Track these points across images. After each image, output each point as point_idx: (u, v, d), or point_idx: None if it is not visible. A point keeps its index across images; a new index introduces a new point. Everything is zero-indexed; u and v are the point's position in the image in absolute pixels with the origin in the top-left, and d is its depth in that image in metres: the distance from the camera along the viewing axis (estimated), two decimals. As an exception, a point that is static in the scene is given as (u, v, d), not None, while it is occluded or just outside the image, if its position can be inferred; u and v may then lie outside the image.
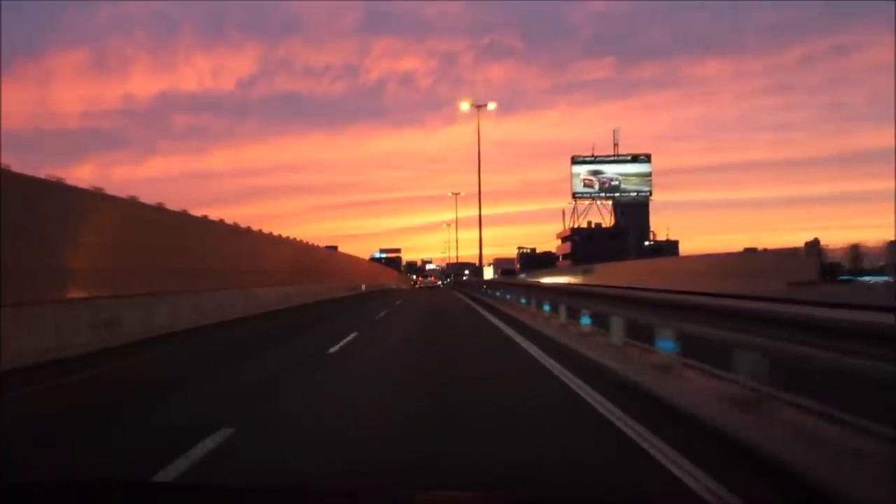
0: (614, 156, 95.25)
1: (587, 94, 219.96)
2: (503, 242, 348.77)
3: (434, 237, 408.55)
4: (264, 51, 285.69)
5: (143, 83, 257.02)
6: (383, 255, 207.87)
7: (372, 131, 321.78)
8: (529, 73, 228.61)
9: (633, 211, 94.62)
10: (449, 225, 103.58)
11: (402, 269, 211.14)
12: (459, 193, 68.23)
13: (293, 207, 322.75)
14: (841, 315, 4.56)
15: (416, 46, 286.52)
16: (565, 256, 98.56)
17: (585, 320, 11.40)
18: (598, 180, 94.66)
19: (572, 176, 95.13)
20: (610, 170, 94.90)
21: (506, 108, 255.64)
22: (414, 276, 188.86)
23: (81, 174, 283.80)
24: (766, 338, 4.87)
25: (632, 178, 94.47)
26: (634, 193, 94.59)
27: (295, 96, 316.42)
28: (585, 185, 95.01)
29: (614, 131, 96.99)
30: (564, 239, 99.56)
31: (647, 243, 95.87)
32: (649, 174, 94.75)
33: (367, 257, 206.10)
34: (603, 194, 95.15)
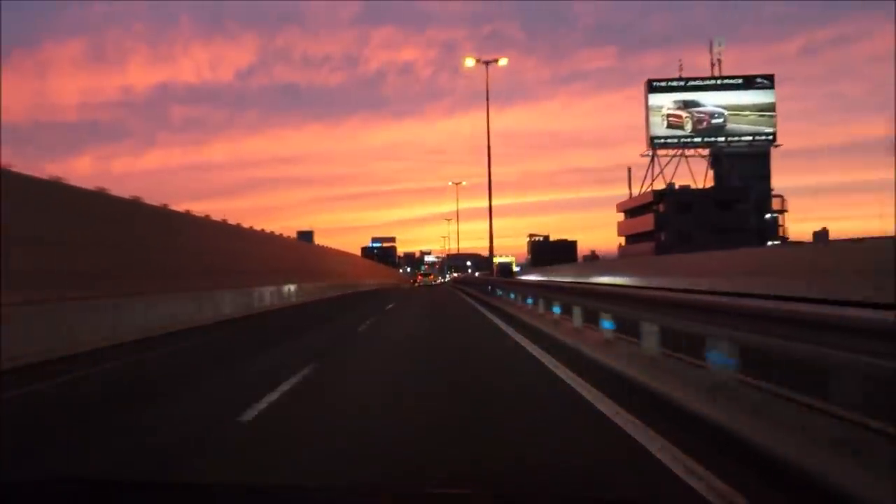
0: (716, 78, 60.20)
1: (588, 84, 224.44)
2: (503, 234, 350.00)
3: (433, 229, 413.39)
4: (263, 41, 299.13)
5: (142, 75, 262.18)
6: (377, 245, 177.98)
7: (371, 122, 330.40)
8: (530, 63, 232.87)
9: (746, 166, 59.52)
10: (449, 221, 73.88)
11: (399, 261, 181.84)
12: (489, 84, 35.43)
13: (291, 199, 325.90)
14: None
15: (416, 37, 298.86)
16: (634, 239, 63.47)
17: None
18: (693, 116, 59.67)
19: (649, 111, 60.12)
20: (709, 100, 59.90)
21: (506, 98, 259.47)
22: (408, 269, 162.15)
23: (80, 166, 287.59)
24: None
25: (744, 112, 59.50)
26: (749, 137, 59.66)
27: (293, 87, 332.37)
28: (672, 125, 60.01)
29: (711, 42, 61.81)
30: (633, 211, 64.23)
31: (767, 216, 60.92)
32: (772, 107, 59.69)
33: (363, 248, 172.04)
34: (699, 139, 60.17)
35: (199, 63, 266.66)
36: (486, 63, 27.35)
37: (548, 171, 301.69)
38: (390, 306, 21.10)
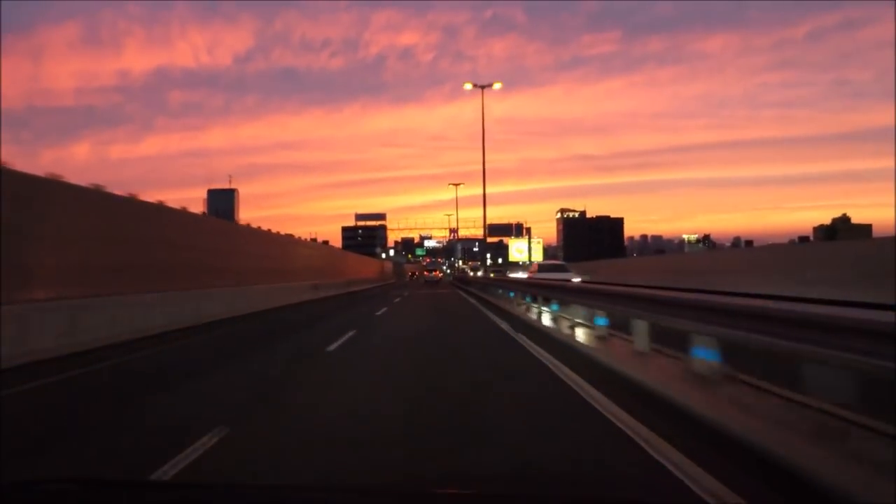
0: None
1: (590, 69, 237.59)
2: (503, 221, 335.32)
3: (433, 217, 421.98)
4: (261, 25, 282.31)
5: (139, 59, 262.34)
6: (361, 225, 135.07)
7: (371, 108, 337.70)
8: (532, 48, 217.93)
9: None
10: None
11: (396, 246, 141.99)
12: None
13: (290, 186, 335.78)
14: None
15: (417, 20, 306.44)
16: None
17: None
18: None
19: None
20: None
21: (507, 84, 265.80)
22: (391, 253, 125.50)
23: (78, 152, 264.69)
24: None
25: None
26: None
27: (292, 72, 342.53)
28: None
29: None
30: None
31: None
32: None
33: (343, 228, 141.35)
34: None
35: (196, 47, 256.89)
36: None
37: (548, 159, 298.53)
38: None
